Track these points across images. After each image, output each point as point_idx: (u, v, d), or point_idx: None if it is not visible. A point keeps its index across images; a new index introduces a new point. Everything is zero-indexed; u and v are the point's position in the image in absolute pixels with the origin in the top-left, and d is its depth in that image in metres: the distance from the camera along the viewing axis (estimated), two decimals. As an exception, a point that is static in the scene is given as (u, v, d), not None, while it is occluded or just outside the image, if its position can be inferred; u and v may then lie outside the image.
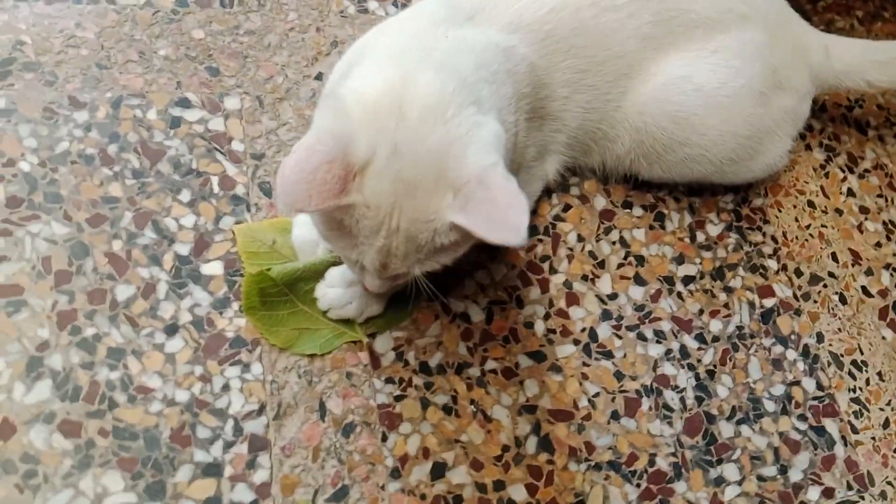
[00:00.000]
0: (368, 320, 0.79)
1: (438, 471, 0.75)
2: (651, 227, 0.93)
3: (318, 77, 0.92)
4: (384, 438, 0.75)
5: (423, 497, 0.73)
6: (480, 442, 0.77)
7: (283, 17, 0.95)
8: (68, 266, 0.76)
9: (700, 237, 0.93)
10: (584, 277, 0.88)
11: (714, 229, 0.94)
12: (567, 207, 0.92)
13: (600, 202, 0.93)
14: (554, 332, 0.84)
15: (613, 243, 0.91)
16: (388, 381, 0.78)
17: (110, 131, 0.83)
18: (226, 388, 0.74)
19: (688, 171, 0.88)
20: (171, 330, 0.75)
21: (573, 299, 0.87)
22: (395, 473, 0.74)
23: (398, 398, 0.77)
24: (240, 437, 0.72)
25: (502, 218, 0.57)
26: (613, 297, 0.88)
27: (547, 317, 0.85)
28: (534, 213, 0.90)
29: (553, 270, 0.88)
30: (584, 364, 0.83)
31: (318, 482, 0.72)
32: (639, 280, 0.89)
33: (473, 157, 0.60)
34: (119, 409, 0.71)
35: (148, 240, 0.79)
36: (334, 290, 0.76)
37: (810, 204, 1.00)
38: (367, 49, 0.71)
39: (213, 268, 0.79)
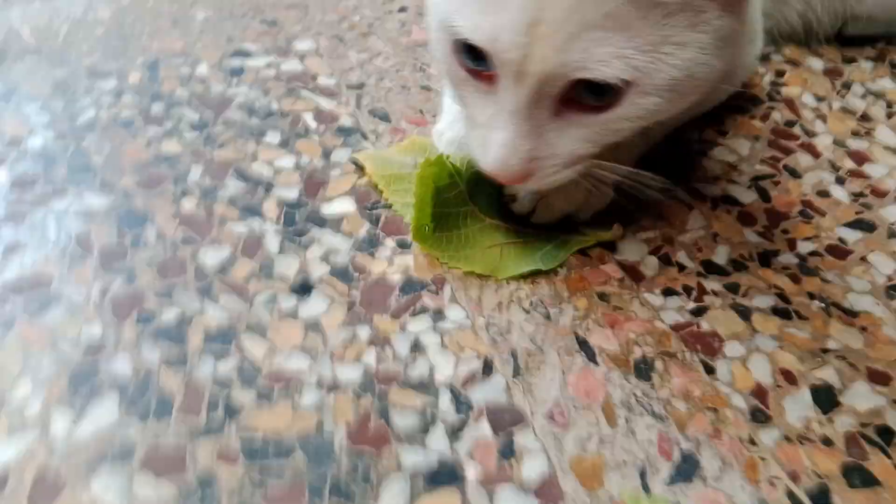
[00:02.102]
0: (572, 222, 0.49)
1: (825, 398, 0.41)
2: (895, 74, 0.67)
3: (403, 10, 0.70)
4: (709, 370, 0.42)
5: (827, 442, 0.39)
6: (862, 345, 0.44)
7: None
8: (118, 238, 0.47)
9: (967, 70, 0.67)
10: (855, 133, 0.60)
11: (977, 60, 0.68)
12: (780, 73, 0.66)
13: (815, 63, 0.68)
14: (863, 195, 0.55)
15: (863, 96, 0.64)
16: (668, 293, 0.46)
17: (150, 92, 0.58)
18: (417, 347, 0.42)
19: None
20: (303, 288, 0.45)
21: (860, 157, 0.58)
22: (759, 416, 0.40)
23: (697, 312, 0.45)
24: (470, 413, 0.39)
25: None
26: (908, 147, 0.59)
27: (840, 181, 0.56)
28: (745, 84, 0.64)
29: (810, 133, 0.60)
30: (933, 223, 0.53)
31: (636, 457, 0.38)
32: (929, 121, 0.61)
33: None
34: (245, 413, 0.39)
35: (234, 190, 0.51)
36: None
37: None
38: None
39: (342, 205, 0.50)
